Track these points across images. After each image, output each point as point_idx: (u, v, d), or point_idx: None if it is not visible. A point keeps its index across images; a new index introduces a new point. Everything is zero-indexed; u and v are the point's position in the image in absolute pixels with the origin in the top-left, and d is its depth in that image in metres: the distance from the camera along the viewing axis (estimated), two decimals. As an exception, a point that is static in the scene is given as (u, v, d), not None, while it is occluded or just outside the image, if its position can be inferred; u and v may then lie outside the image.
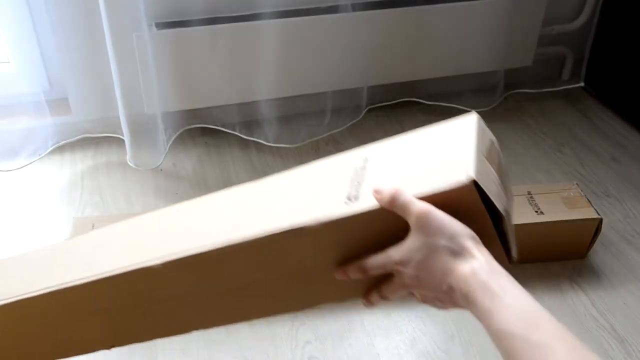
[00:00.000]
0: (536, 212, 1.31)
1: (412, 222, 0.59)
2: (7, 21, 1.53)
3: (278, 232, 0.64)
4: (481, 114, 0.68)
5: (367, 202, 0.62)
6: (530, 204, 1.33)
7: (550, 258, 1.36)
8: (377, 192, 0.61)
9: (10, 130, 1.64)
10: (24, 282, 0.77)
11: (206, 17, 1.56)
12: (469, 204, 0.59)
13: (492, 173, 0.63)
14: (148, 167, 1.66)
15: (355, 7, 1.63)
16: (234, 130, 1.75)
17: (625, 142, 1.80)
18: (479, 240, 0.59)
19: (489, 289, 0.54)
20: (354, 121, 1.81)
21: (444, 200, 0.59)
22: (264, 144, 1.74)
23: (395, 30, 1.72)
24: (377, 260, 0.62)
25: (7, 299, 0.75)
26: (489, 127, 0.69)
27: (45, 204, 1.52)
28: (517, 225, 1.37)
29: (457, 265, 0.57)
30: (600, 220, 1.31)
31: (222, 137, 1.76)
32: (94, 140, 1.74)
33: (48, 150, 1.68)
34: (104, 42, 1.48)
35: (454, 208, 0.59)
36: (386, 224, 0.62)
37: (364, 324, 1.24)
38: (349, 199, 0.64)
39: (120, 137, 1.67)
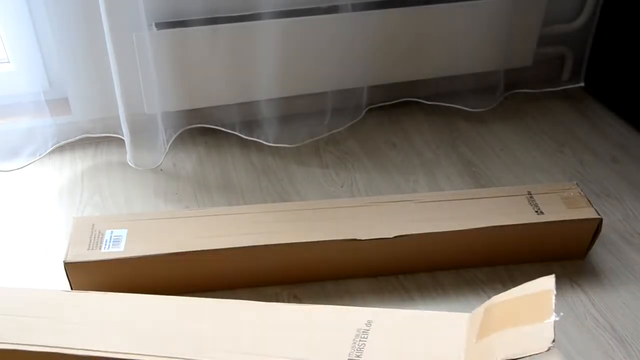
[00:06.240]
0: (536, 212, 1.31)
1: None
2: (7, 21, 1.53)
3: None
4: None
5: None
6: (530, 204, 1.33)
7: (550, 258, 1.36)
8: None
9: (10, 130, 1.64)
10: (18, 327, 0.79)
11: (206, 17, 1.56)
12: None
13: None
14: (148, 167, 1.66)
15: (355, 7, 1.63)
16: (234, 130, 1.75)
17: (625, 142, 1.80)
18: None
19: None
20: (354, 121, 1.81)
21: None
22: (264, 144, 1.74)
23: (395, 30, 1.72)
24: None
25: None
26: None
27: (45, 204, 1.52)
28: (517, 225, 1.37)
29: None
30: (600, 220, 1.31)
31: (222, 137, 1.76)
32: (94, 140, 1.74)
33: (48, 150, 1.68)
34: (104, 42, 1.48)
35: None
36: None
37: (364, 324, 1.24)
38: None
39: (120, 137, 1.67)
